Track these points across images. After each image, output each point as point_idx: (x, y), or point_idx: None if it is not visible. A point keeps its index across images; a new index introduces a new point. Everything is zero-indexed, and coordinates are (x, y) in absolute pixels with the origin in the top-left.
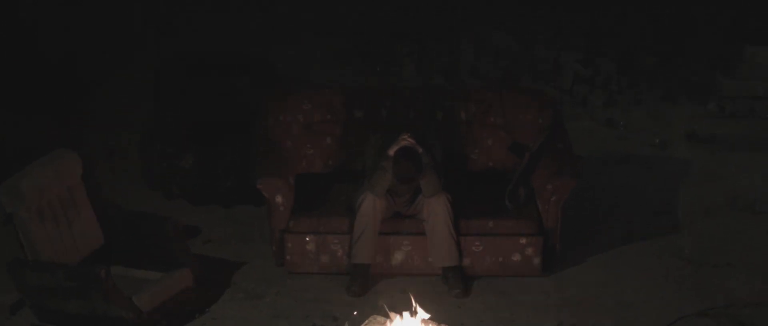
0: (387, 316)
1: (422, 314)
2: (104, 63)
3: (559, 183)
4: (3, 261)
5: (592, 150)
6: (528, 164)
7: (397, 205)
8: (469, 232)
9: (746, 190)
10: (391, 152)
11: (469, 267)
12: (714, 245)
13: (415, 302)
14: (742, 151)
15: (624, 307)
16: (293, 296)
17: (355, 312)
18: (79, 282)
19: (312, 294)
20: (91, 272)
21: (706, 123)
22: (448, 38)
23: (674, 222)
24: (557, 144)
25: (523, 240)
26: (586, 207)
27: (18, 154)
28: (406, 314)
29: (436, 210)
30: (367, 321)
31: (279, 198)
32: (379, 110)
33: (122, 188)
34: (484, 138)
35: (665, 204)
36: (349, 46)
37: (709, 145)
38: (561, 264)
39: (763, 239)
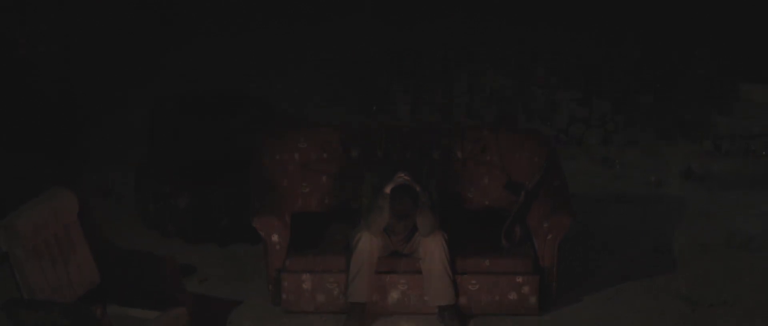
0: None
1: None
2: (100, 101)
3: (555, 222)
4: None
5: (588, 188)
6: (524, 203)
7: (393, 244)
8: (465, 271)
9: (742, 229)
10: (387, 190)
11: (465, 305)
12: (710, 284)
13: None
14: (738, 188)
15: None
16: None
17: None
18: (75, 321)
19: None
20: (86, 310)
21: (702, 161)
22: (443, 77)
23: (670, 260)
24: (553, 182)
25: (520, 279)
26: (582, 245)
27: (14, 193)
28: None
29: (432, 248)
30: None
31: (275, 237)
32: (375, 149)
33: (118, 227)
34: (480, 176)
35: (661, 243)
36: (345, 85)
37: (704, 183)
38: (557, 303)
39: (759, 277)
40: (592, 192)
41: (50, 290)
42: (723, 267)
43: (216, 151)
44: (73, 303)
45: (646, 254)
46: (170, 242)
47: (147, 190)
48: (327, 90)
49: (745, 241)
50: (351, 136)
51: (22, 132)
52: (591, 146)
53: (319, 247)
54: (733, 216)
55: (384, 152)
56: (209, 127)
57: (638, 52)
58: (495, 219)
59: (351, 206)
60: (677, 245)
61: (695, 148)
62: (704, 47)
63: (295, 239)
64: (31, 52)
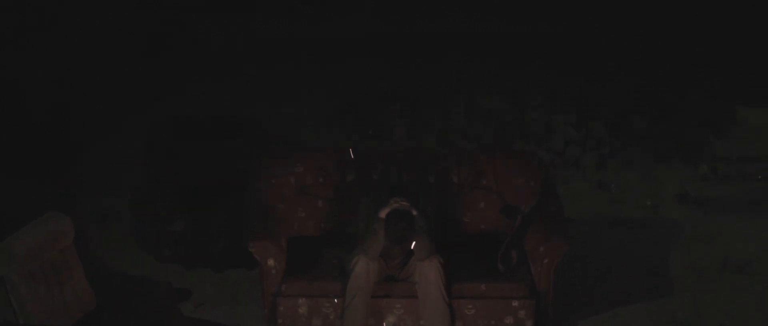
0: None
1: None
2: (95, 126)
3: (551, 246)
4: None
5: (584, 212)
6: (520, 227)
7: (389, 268)
8: (461, 295)
9: (739, 252)
10: (383, 214)
11: None
12: (707, 307)
13: None
14: (735, 212)
15: None
16: None
17: None
18: None
19: None
20: None
21: (698, 184)
22: (439, 101)
23: (667, 284)
24: (549, 207)
25: (516, 303)
26: (579, 269)
27: (9, 218)
28: None
29: (428, 273)
30: None
31: (271, 262)
32: (371, 173)
33: (114, 251)
34: (476, 201)
35: (658, 267)
36: (341, 108)
37: (701, 207)
38: None
39: (756, 301)
40: (588, 216)
41: (46, 315)
42: (719, 290)
43: (212, 175)
44: None
45: (643, 277)
46: (166, 266)
47: (143, 214)
48: (322, 114)
49: (741, 265)
50: (347, 161)
51: (17, 156)
52: (587, 169)
53: (315, 272)
54: (729, 240)
55: (380, 176)
56: (205, 151)
57: (635, 75)
58: (491, 244)
59: (347, 231)
60: (673, 268)
61: (692, 171)
62: (701, 70)
63: (291, 263)
64: (27, 74)
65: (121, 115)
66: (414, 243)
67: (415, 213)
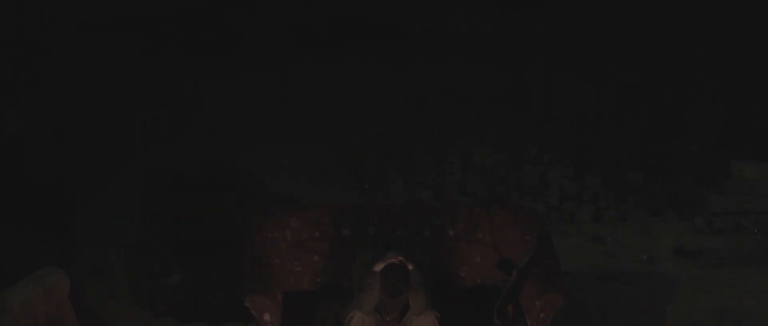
0: None
1: None
2: (90, 180)
3: (547, 300)
4: None
5: (580, 266)
6: (516, 281)
7: (385, 323)
8: None
9: (735, 306)
10: (377, 268)
11: None
12: None
13: None
14: (730, 266)
15: None
16: None
17: None
18: None
19: None
20: None
21: (694, 238)
22: (435, 154)
23: None
24: (545, 260)
25: None
26: (575, 323)
27: (5, 272)
28: None
29: None
30: None
31: (267, 316)
32: (367, 227)
33: (109, 306)
34: (472, 255)
35: (653, 320)
36: (337, 162)
37: (697, 261)
38: None
39: None
40: (584, 270)
41: None
42: None
43: (208, 229)
44: None
45: None
46: (162, 321)
47: (138, 269)
48: (318, 167)
49: (737, 319)
50: (342, 215)
51: (13, 210)
52: (583, 223)
53: None
54: (725, 294)
55: (375, 231)
56: (201, 204)
57: (629, 128)
58: (487, 298)
59: (343, 285)
60: (669, 323)
61: (687, 225)
62: (696, 123)
63: (287, 318)
64: (22, 129)
65: (116, 166)
66: (410, 297)
67: (410, 267)
